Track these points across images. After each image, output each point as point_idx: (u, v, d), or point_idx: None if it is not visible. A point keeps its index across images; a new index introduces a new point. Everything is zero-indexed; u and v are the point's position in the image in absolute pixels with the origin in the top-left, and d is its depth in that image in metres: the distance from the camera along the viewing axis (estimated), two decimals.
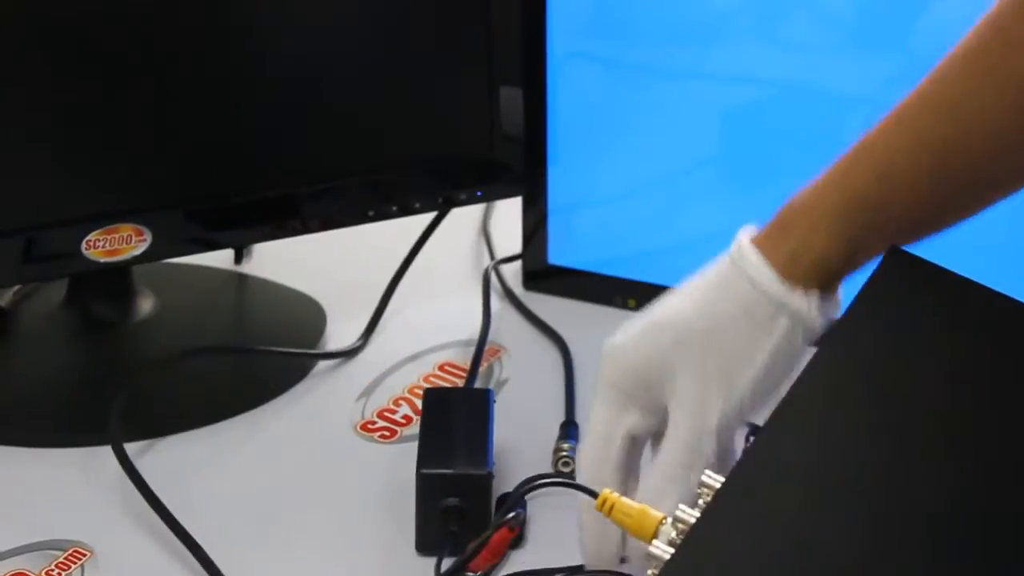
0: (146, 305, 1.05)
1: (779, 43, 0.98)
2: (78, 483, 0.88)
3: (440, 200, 1.04)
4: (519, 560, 0.80)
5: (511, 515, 0.79)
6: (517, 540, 0.81)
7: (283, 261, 1.15)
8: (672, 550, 0.64)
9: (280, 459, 0.91)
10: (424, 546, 0.80)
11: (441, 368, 1.01)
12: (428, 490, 0.80)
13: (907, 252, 0.67)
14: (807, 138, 0.99)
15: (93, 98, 0.91)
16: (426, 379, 0.99)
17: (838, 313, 0.70)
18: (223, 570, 0.78)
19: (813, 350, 0.68)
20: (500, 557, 0.79)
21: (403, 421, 0.95)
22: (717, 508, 0.62)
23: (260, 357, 1.01)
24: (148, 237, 0.94)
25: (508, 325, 1.06)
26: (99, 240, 0.93)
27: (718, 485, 0.64)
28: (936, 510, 0.60)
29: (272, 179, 0.99)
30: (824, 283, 0.70)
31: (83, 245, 0.92)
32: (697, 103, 1.01)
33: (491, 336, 1.03)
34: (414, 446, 0.83)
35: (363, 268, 1.13)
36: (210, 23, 0.94)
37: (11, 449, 0.91)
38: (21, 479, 0.89)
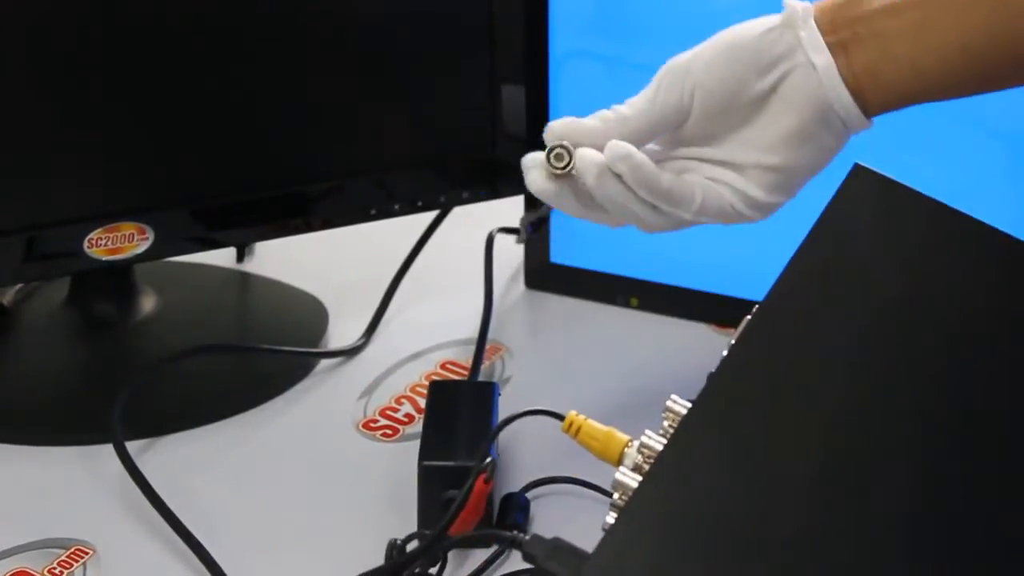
0: (148, 304, 1.05)
1: None
2: (80, 482, 0.88)
3: (442, 199, 1.04)
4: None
5: (485, 461, 0.78)
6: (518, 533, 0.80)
7: (285, 260, 1.15)
8: (638, 477, 0.63)
9: (282, 458, 0.91)
10: (427, 522, 0.80)
11: (443, 366, 1.01)
12: (429, 482, 0.80)
13: (873, 171, 0.66)
14: None
15: (95, 97, 0.91)
16: (428, 377, 0.99)
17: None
18: (225, 568, 0.78)
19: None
20: (482, 513, 0.78)
21: (405, 419, 0.95)
22: (682, 437, 0.61)
23: (262, 356, 1.01)
24: (150, 235, 0.94)
25: (510, 323, 1.06)
26: (101, 238, 0.93)
27: (684, 412, 0.63)
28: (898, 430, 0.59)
29: (274, 178, 0.99)
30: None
31: (85, 243, 0.92)
32: None
33: (493, 335, 1.03)
34: (416, 444, 0.83)
35: (365, 267, 1.13)
36: (211, 22, 0.93)
37: (13, 447, 0.92)
38: (23, 477, 0.89)
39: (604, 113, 0.78)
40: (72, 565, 0.80)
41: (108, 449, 0.87)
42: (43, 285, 1.08)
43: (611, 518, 0.61)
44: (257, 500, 0.87)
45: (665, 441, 0.63)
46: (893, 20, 0.73)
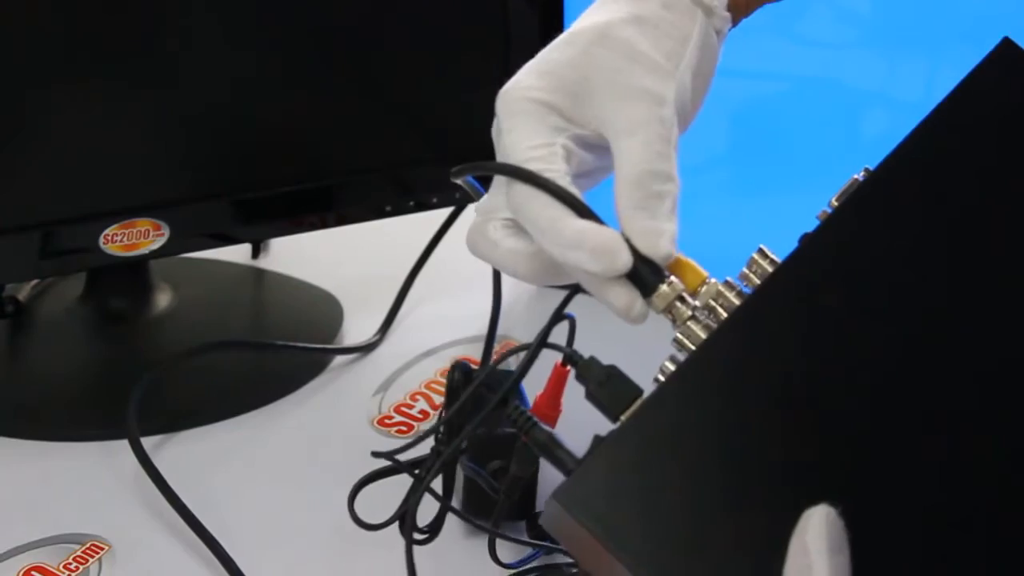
0: (163, 299, 1.05)
1: (796, 38, 0.98)
2: (95, 477, 0.88)
3: (457, 195, 1.04)
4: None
5: (566, 347, 0.71)
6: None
7: (300, 256, 1.15)
8: (704, 333, 0.57)
9: (297, 454, 0.92)
10: (469, 511, 0.80)
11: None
12: (476, 453, 0.79)
13: (1019, 48, 0.60)
14: (820, 135, 0.99)
15: (110, 94, 0.91)
16: (443, 374, 0.99)
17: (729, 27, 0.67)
18: (240, 565, 0.78)
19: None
20: (560, 406, 0.76)
21: (420, 416, 0.95)
22: (764, 295, 0.57)
23: (277, 352, 1.01)
24: (166, 232, 0.95)
25: (522, 319, 1.06)
26: (117, 235, 0.93)
27: (768, 268, 0.58)
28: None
29: (289, 174, 0.99)
30: None
31: (101, 239, 0.92)
32: (710, 100, 1.01)
33: (505, 331, 1.03)
34: (430, 441, 0.82)
35: (380, 263, 1.13)
36: (225, 19, 0.94)
37: (29, 443, 0.92)
38: (39, 473, 0.89)
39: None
40: (88, 560, 0.80)
41: (123, 445, 0.87)
42: (59, 281, 1.08)
43: (670, 364, 0.57)
44: (272, 496, 0.87)
45: (744, 294, 0.58)
46: None
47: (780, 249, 0.63)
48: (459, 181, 0.67)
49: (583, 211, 0.60)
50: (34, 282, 1.07)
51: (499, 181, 0.65)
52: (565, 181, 0.61)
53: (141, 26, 0.91)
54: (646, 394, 0.57)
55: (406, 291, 1.08)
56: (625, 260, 0.59)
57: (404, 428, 0.94)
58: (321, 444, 0.92)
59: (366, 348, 1.03)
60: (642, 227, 0.60)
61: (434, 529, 0.76)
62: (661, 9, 0.65)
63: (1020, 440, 0.54)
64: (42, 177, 0.91)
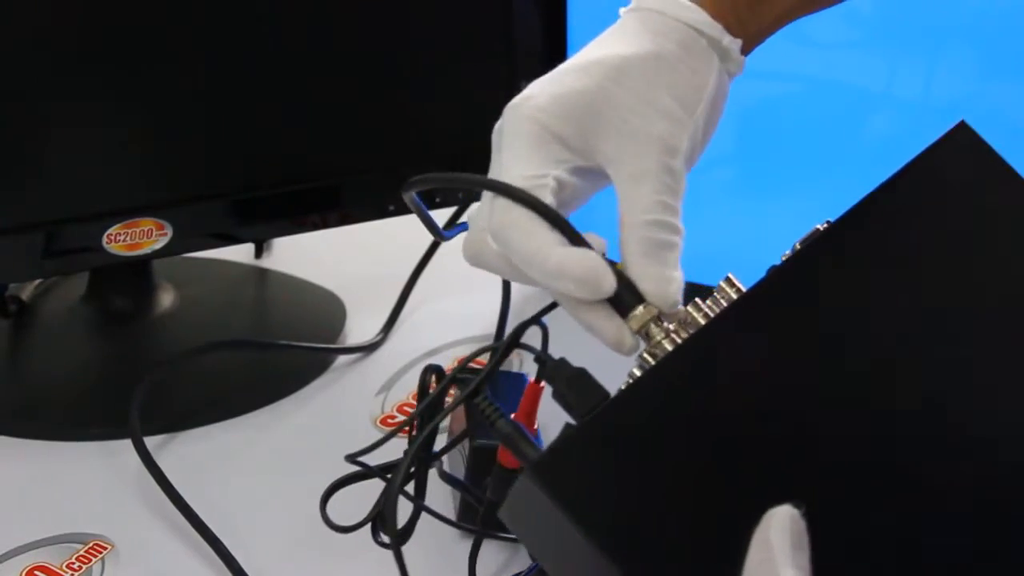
0: (166, 299, 1.05)
1: (802, 39, 0.98)
2: (98, 476, 0.88)
3: (460, 195, 1.04)
4: None
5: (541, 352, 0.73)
6: None
7: (303, 255, 1.15)
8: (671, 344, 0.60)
9: (299, 454, 0.92)
10: (466, 518, 0.80)
11: (460, 363, 1.00)
12: (477, 463, 0.79)
13: (975, 133, 0.65)
14: (826, 135, 0.98)
15: (113, 94, 0.92)
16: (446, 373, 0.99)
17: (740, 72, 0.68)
18: (243, 564, 0.78)
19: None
20: (535, 422, 0.76)
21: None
22: (725, 321, 0.59)
23: (280, 352, 1.01)
24: (169, 231, 0.95)
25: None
26: (120, 234, 0.93)
27: (733, 295, 0.61)
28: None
29: (292, 174, 0.99)
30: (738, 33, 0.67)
31: (104, 239, 0.92)
32: None
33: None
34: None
35: (383, 263, 1.13)
36: (231, 18, 0.94)
37: (32, 442, 0.92)
38: (42, 472, 0.89)
39: None
40: (91, 560, 0.80)
41: (126, 444, 0.87)
42: (62, 280, 1.09)
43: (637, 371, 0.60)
44: (275, 496, 0.87)
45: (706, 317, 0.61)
46: None
47: (781, 248, 0.65)
48: (406, 197, 0.68)
49: (562, 226, 0.61)
50: (37, 282, 1.07)
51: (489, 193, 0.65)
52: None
53: (143, 26, 0.91)
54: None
55: (409, 291, 1.08)
56: (610, 284, 0.60)
57: (407, 428, 0.94)
58: (324, 444, 0.92)
59: (369, 348, 1.03)
60: (653, 273, 0.61)
61: (406, 532, 0.75)
62: (679, 49, 0.65)
63: (974, 448, 0.58)
64: (45, 177, 0.91)
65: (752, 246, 0.99)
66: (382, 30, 0.99)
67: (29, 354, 1.04)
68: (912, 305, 0.61)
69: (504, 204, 0.62)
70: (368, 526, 0.73)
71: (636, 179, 0.62)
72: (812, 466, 0.56)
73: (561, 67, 0.66)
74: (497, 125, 0.66)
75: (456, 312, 1.08)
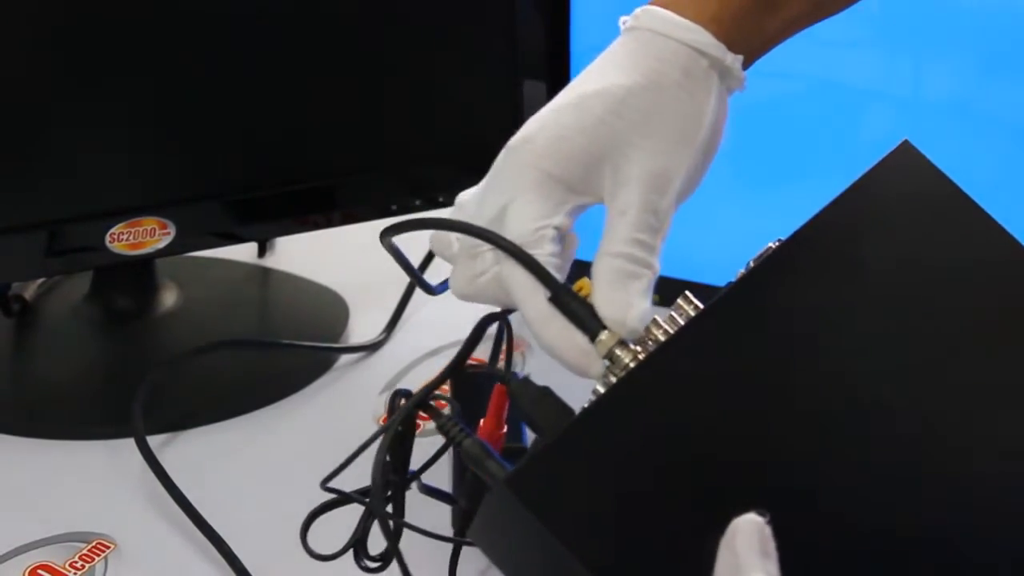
0: (169, 298, 1.05)
1: (805, 37, 0.98)
2: (101, 475, 0.88)
3: None
4: None
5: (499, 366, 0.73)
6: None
7: (306, 255, 1.15)
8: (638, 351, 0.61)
9: (302, 453, 0.91)
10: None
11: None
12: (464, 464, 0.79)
13: (918, 151, 0.66)
14: (826, 133, 0.98)
15: (116, 93, 0.92)
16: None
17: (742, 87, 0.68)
18: (245, 563, 0.78)
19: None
20: (503, 424, 0.76)
21: (425, 415, 0.95)
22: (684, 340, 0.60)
23: (283, 351, 1.01)
24: (172, 230, 0.95)
25: None
26: (123, 233, 0.93)
27: (691, 312, 0.62)
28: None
29: (295, 173, 0.99)
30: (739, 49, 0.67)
31: (107, 238, 0.93)
32: None
33: (517, 331, 1.03)
34: (437, 440, 0.82)
35: (386, 262, 1.13)
36: (235, 16, 0.94)
37: (35, 441, 0.92)
38: (45, 471, 0.89)
39: None
40: (94, 559, 0.80)
41: (129, 443, 0.87)
42: (65, 279, 1.09)
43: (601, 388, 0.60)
44: (277, 495, 0.87)
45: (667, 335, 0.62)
46: None
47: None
48: (384, 244, 0.70)
49: (560, 300, 0.63)
50: (40, 281, 1.07)
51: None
52: (550, 264, 0.63)
53: (145, 26, 0.91)
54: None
55: (412, 290, 1.08)
56: (596, 372, 0.62)
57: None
58: (327, 443, 0.92)
59: (372, 347, 1.03)
60: (614, 299, 0.62)
61: (386, 556, 0.74)
62: (680, 75, 0.65)
63: (941, 456, 0.59)
64: (48, 176, 0.91)
65: (752, 245, 0.98)
66: (384, 30, 0.98)
67: (32, 353, 1.04)
68: (864, 318, 0.62)
69: (509, 263, 0.64)
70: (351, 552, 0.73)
71: (620, 214, 0.63)
72: (778, 475, 0.57)
73: (559, 100, 0.66)
74: (497, 164, 0.66)
75: (459, 311, 1.07)
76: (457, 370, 0.71)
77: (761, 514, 0.50)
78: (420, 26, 0.99)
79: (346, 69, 0.98)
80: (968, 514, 0.58)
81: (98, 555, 0.81)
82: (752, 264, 0.64)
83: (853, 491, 0.57)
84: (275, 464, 0.90)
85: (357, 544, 0.71)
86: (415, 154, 1.02)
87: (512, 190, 0.64)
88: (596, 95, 0.64)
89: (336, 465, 0.89)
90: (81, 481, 0.88)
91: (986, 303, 0.64)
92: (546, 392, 0.62)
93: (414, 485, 0.72)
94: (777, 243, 0.65)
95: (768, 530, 0.50)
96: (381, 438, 0.69)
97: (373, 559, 0.72)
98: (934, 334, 0.63)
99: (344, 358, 1.02)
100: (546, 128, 0.65)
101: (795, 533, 0.52)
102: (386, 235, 0.67)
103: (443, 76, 1.01)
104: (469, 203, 0.68)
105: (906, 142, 0.67)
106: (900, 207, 0.66)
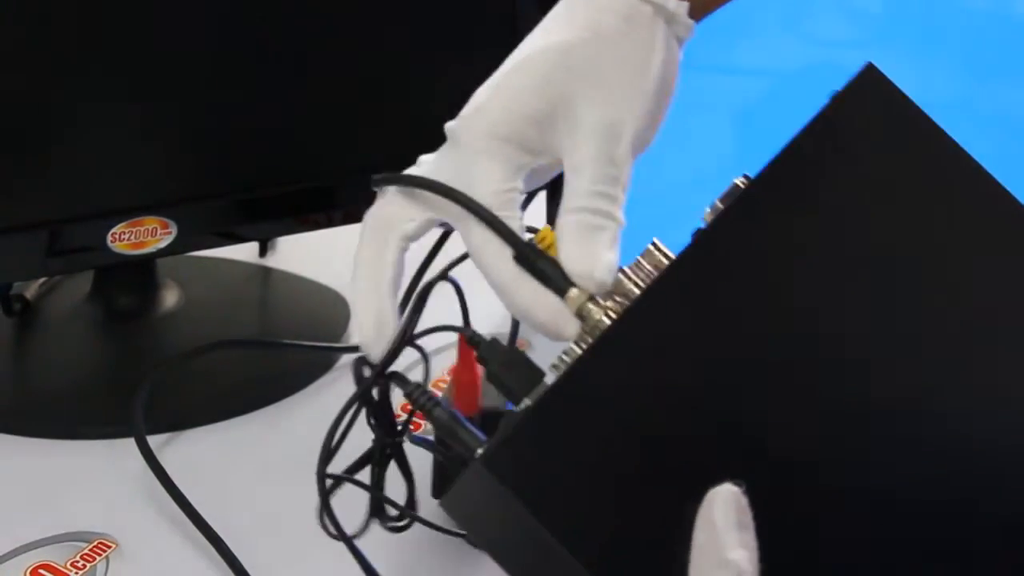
0: (170, 298, 1.05)
1: (804, 36, 0.98)
2: (102, 475, 0.88)
3: None
4: None
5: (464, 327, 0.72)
6: None
7: (308, 254, 1.15)
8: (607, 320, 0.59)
9: (303, 453, 0.91)
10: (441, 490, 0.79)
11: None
12: (485, 428, 0.78)
13: (884, 75, 0.66)
14: None
15: (118, 93, 0.92)
16: (451, 372, 0.99)
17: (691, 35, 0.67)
18: (245, 564, 0.78)
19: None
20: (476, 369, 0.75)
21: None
22: (663, 281, 0.59)
23: (284, 351, 1.01)
24: (173, 230, 0.95)
25: None
26: (124, 233, 0.93)
27: (663, 261, 0.61)
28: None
29: (297, 172, 0.99)
30: None
31: (108, 238, 0.93)
32: (721, 97, 1.01)
33: (522, 332, 1.03)
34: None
35: None
36: (235, 16, 0.94)
37: (36, 441, 0.92)
38: (45, 471, 0.89)
39: None
40: (95, 559, 0.80)
41: (130, 443, 0.87)
42: (66, 279, 1.09)
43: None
44: (278, 495, 0.87)
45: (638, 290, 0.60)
46: None
47: None
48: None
49: (529, 262, 0.62)
50: (41, 280, 1.07)
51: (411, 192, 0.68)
52: (519, 229, 0.62)
53: (146, 25, 0.91)
54: (547, 379, 0.59)
55: (413, 289, 1.08)
56: (572, 332, 0.61)
57: (411, 427, 0.93)
58: None
59: None
60: (579, 253, 0.61)
61: (410, 505, 0.73)
62: (623, 23, 0.64)
63: (912, 426, 0.58)
64: (49, 176, 0.91)
65: None
66: (384, 29, 0.99)
67: (33, 353, 1.04)
68: (841, 260, 0.61)
69: (479, 228, 0.63)
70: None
71: (577, 169, 0.63)
72: (759, 438, 0.56)
73: (506, 65, 0.66)
74: (451, 137, 0.67)
75: (460, 312, 1.08)
76: (408, 335, 0.70)
77: (737, 484, 0.50)
78: (420, 26, 0.99)
79: (346, 69, 0.98)
80: (965, 476, 0.57)
81: (99, 555, 0.81)
82: (719, 204, 0.63)
83: (840, 454, 0.57)
84: (275, 464, 0.90)
85: (375, 509, 0.71)
86: (415, 153, 1.02)
87: (470, 161, 0.65)
88: (540, 53, 0.65)
89: (336, 463, 0.89)
90: (82, 481, 0.88)
91: (960, 234, 0.62)
92: (515, 353, 0.61)
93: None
94: (744, 179, 0.63)
95: (744, 500, 0.50)
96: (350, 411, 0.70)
97: (394, 520, 0.72)
98: (913, 273, 0.61)
99: (344, 358, 1.02)
100: (496, 94, 0.65)
101: (776, 498, 0.52)
102: (375, 187, 0.70)
103: (443, 75, 1.01)
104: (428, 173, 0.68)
105: (870, 65, 0.66)
106: (868, 138, 0.65)
